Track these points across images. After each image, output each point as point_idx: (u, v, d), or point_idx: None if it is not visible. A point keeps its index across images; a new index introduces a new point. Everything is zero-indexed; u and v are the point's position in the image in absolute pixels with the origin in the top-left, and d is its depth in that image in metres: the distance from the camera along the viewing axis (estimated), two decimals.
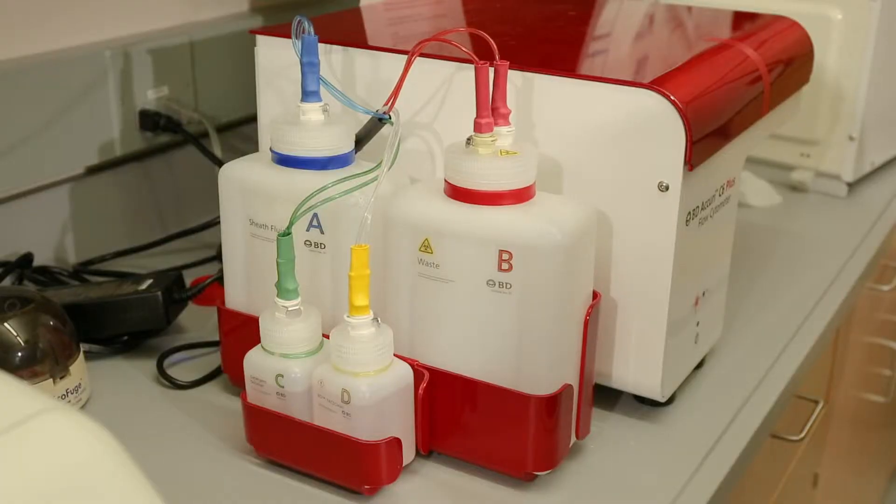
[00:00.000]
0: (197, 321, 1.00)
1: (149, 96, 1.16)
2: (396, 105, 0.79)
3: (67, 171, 1.10)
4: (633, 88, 0.77)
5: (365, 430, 0.73)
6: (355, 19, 1.00)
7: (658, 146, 0.76)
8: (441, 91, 0.83)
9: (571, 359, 0.77)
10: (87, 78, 1.10)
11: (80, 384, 0.85)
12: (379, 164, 0.76)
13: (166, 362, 0.93)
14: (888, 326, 1.70)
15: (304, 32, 0.78)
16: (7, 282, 1.04)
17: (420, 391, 0.77)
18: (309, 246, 0.80)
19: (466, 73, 0.81)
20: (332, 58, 0.87)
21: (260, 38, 0.91)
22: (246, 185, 0.82)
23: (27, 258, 1.06)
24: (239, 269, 0.85)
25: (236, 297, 0.86)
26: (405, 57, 0.78)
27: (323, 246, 0.79)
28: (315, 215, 0.78)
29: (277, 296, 0.76)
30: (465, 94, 0.76)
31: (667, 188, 0.77)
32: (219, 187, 0.84)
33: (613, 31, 0.97)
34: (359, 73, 0.87)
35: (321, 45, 0.86)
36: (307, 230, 0.79)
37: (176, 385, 0.90)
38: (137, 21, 1.18)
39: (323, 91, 0.79)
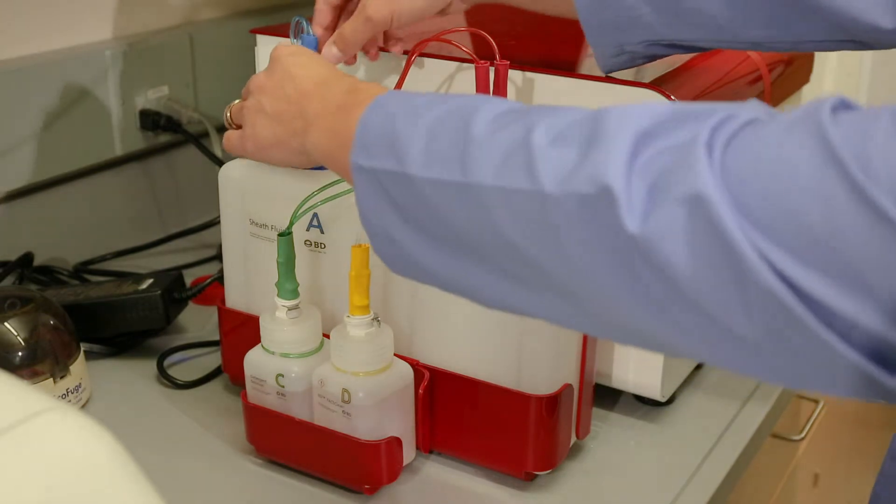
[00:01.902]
0: (197, 321, 1.00)
1: (149, 96, 1.16)
2: None
3: (67, 171, 1.10)
4: (634, 88, 0.77)
5: (365, 429, 0.73)
6: None
7: None
8: (442, 91, 0.83)
9: (572, 358, 0.77)
10: (87, 78, 1.09)
11: (80, 384, 0.85)
12: None
13: (166, 362, 0.93)
14: None
15: (302, 32, 0.78)
16: (7, 282, 1.04)
17: (420, 391, 0.77)
18: (309, 246, 0.80)
19: (467, 72, 0.81)
20: None
21: (260, 38, 0.91)
22: (246, 184, 0.82)
23: (27, 258, 1.06)
24: (239, 269, 0.85)
25: (236, 296, 0.86)
26: (405, 56, 0.78)
27: (323, 246, 0.79)
28: (315, 215, 0.78)
29: (277, 295, 0.76)
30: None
31: None
32: (219, 187, 0.84)
33: None
34: (359, 72, 0.87)
35: None
36: (307, 230, 0.79)
37: (176, 385, 0.90)
38: (137, 21, 1.18)
39: None
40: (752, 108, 0.45)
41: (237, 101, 0.73)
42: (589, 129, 0.47)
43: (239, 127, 0.72)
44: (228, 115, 0.73)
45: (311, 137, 0.62)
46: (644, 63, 0.79)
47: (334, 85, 0.63)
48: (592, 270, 0.46)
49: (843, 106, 0.42)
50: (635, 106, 0.47)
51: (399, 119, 0.54)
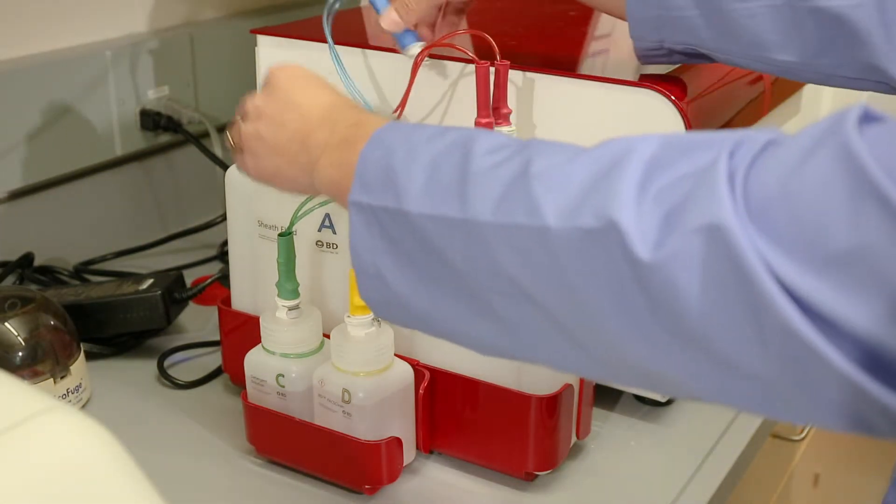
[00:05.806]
0: (197, 321, 1.00)
1: (149, 96, 1.16)
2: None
3: (67, 171, 1.10)
4: (634, 88, 0.77)
5: (365, 429, 0.73)
6: (355, 19, 1.00)
7: None
8: (445, 91, 0.83)
9: None
10: (87, 78, 1.09)
11: (80, 384, 0.85)
12: None
13: (166, 362, 0.93)
14: None
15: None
16: (8, 282, 1.04)
17: (421, 391, 0.77)
18: (321, 246, 0.80)
19: (469, 74, 0.81)
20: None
21: (260, 38, 0.91)
22: (254, 186, 0.81)
23: (28, 258, 1.06)
24: (246, 271, 0.84)
25: (243, 298, 0.86)
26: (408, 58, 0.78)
27: (335, 246, 0.79)
28: (327, 216, 0.78)
29: (278, 295, 0.76)
30: (469, 95, 0.76)
31: None
32: (225, 189, 0.83)
33: (614, 31, 0.97)
34: (357, 72, 0.87)
35: (318, 45, 0.86)
36: (319, 230, 0.79)
37: (176, 385, 0.90)
38: (137, 21, 1.18)
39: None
40: (768, 131, 0.43)
41: (236, 123, 0.69)
42: (591, 161, 0.46)
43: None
44: (229, 139, 0.69)
45: (318, 173, 0.60)
46: (680, 63, 0.78)
47: (339, 117, 0.61)
48: (598, 306, 0.44)
49: (868, 118, 0.40)
50: (639, 136, 0.46)
51: (397, 155, 0.53)
